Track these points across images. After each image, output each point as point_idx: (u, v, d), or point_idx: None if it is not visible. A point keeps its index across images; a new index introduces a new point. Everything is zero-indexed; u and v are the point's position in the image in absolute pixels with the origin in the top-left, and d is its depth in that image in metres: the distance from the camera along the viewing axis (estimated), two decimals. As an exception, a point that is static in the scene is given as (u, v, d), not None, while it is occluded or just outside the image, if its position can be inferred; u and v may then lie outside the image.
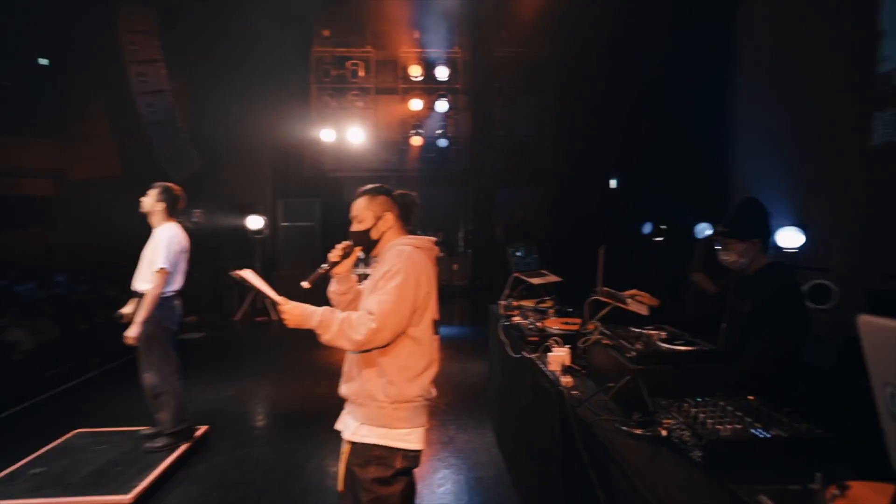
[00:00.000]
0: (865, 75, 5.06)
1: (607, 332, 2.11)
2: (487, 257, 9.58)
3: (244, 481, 3.27)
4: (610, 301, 2.32)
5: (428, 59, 10.21)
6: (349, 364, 1.85)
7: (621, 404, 1.79)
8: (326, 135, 9.79)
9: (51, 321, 5.55)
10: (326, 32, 10.19)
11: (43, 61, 7.82)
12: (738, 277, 2.25)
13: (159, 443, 3.36)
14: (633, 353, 1.78)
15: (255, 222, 8.36)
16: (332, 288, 2.01)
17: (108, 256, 6.41)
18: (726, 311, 2.26)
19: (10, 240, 7.32)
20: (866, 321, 0.67)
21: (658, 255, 7.40)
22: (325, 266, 1.89)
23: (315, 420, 4.16)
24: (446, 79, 10.07)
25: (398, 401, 1.74)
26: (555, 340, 2.53)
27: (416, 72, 10.14)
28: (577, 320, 2.87)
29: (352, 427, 1.80)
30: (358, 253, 1.95)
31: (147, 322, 3.19)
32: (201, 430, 3.72)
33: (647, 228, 8.09)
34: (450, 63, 10.14)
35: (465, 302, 9.62)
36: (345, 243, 1.93)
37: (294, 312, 1.70)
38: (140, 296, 3.28)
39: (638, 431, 1.59)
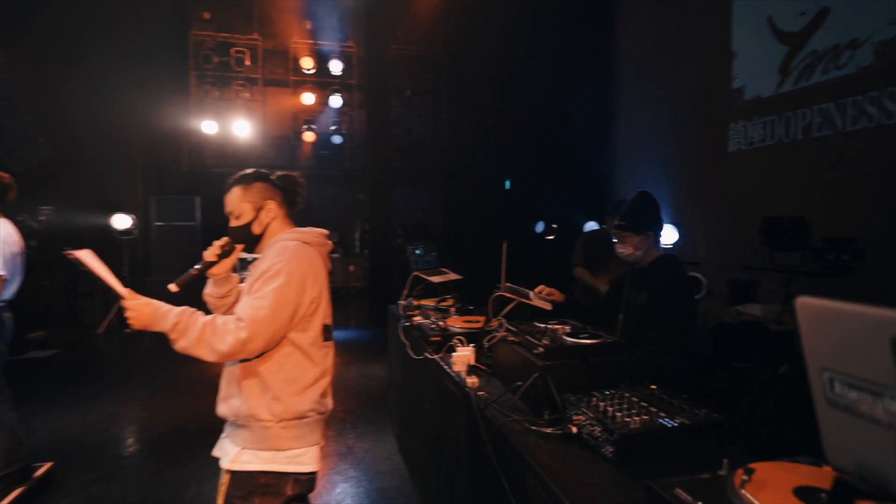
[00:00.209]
0: (722, 90, 5.67)
1: (512, 328, 2.06)
2: (385, 258, 9.39)
3: (102, 523, 2.79)
4: (514, 297, 2.27)
5: (321, 51, 9.78)
6: (228, 379, 1.59)
7: (530, 403, 1.73)
8: (208, 127, 8.96)
9: None
10: (207, 15, 9.34)
11: None
12: (632, 270, 2.33)
13: (-15, 490, 2.75)
14: (541, 350, 1.74)
15: (122, 221, 7.40)
16: (209, 290, 1.73)
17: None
18: (622, 302, 2.32)
19: None
20: (804, 303, 0.62)
21: (550, 253, 7.74)
22: (197, 266, 1.62)
23: (195, 441, 3.70)
24: (340, 73, 9.72)
25: (286, 418, 1.52)
26: (458, 340, 2.44)
27: (308, 64, 9.66)
28: (480, 318, 2.82)
29: (231, 453, 1.54)
30: (240, 251, 1.71)
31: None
32: (44, 467, 3.11)
33: (539, 227, 8.42)
34: (344, 57, 9.80)
35: (362, 304, 9.35)
36: (223, 240, 1.67)
37: (142, 310, 1.41)
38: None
39: (548, 430, 1.53)
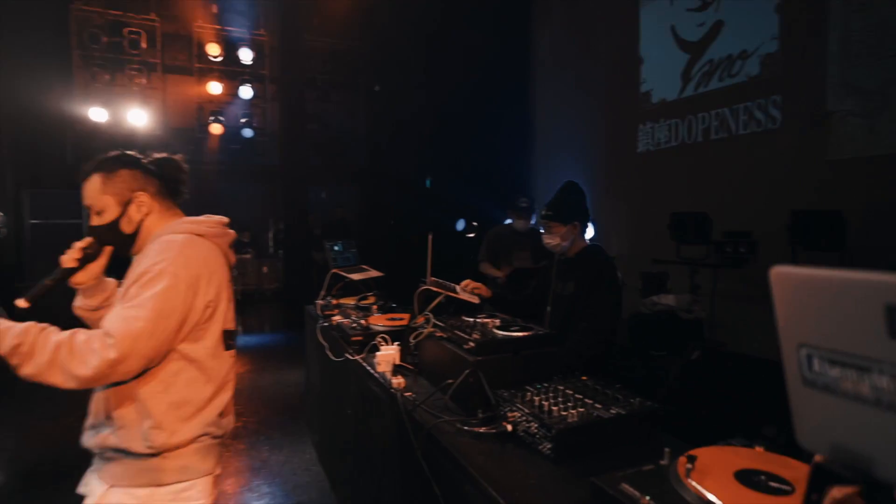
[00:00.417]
0: (632, 94, 5.96)
1: (440, 323, 1.95)
2: (302, 258, 8.95)
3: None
4: (440, 290, 2.17)
5: (229, 38, 9.12)
6: (97, 403, 1.30)
7: (461, 402, 1.62)
8: (97, 114, 8.04)
9: None
10: (94, -11, 8.38)
11: None
12: (558, 260, 2.31)
13: None
14: (472, 344, 1.64)
15: (-16, 219, 6.40)
16: (78, 303, 1.44)
17: None
18: (549, 294, 2.29)
19: None
20: (779, 273, 0.56)
21: (472, 251, 7.76)
22: (52, 278, 1.30)
23: (71, 473, 3.22)
24: (251, 63, 9.13)
25: (168, 448, 1.26)
26: (382, 338, 2.29)
27: (214, 51, 8.96)
28: (404, 315, 2.69)
29: (97, 492, 1.27)
30: (109, 254, 1.40)
31: None
32: None
33: (460, 225, 8.43)
34: (254, 46, 9.21)
35: (277, 306, 8.85)
36: (85, 241, 1.36)
37: None
38: None
39: (482, 430, 1.43)
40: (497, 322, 1.90)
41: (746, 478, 1.01)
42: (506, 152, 7.55)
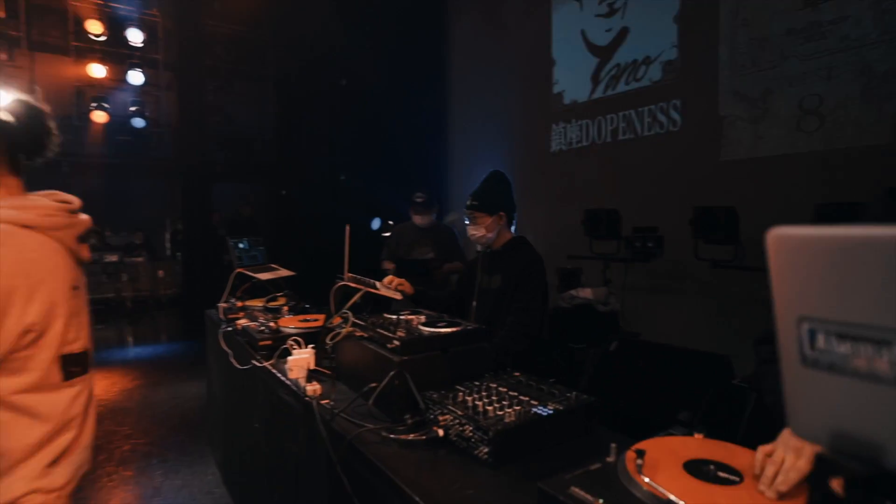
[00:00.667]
0: (545, 94, 6.10)
1: (360, 322, 1.77)
2: (203, 260, 8.25)
3: None
4: (360, 286, 1.99)
5: (114, 16, 8.19)
6: None
7: (387, 407, 1.46)
8: (-57, 94, 6.85)
9: None
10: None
11: None
12: (484, 253, 2.22)
13: None
14: (397, 343, 1.49)
15: None
16: None
17: None
18: (475, 288, 2.19)
19: None
20: (778, 235, 0.47)
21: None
22: None
23: None
24: (141, 45, 8.26)
25: None
26: (294, 341, 2.07)
27: (96, 29, 8.00)
28: (319, 316, 2.47)
29: None
30: None
31: None
32: None
33: (376, 224, 8.21)
34: (145, 27, 8.36)
35: (174, 314, 8.08)
36: None
37: None
38: None
39: (411, 437, 1.29)
40: (422, 318, 1.76)
41: (696, 468, 0.96)
42: (422, 148, 7.45)
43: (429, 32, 7.62)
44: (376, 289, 2.01)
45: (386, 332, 1.58)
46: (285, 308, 2.81)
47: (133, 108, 8.39)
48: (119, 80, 8.20)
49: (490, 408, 1.27)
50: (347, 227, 2.05)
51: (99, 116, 8.07)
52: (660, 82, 4.94)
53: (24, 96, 1.11)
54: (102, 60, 8.08)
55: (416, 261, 3.71)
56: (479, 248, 2.21)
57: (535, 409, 1.26)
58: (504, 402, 1.30)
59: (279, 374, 1.90)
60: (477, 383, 1.46)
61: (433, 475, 1.14)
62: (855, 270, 0.43)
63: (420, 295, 2.18)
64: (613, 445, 1.02)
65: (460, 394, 1.37)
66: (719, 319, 4.09)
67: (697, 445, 1.07)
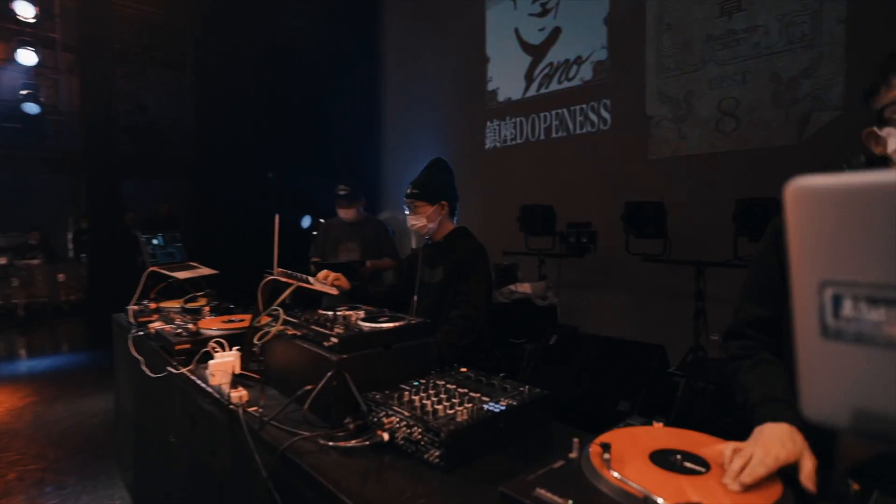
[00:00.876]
0: (479, 91, 6.10)
1: (293, 320, 1.61)
2: (112, 262, 7.53)
3: None
4: (291, 281, 1.82)
5: (-1, -13, 7.29)
6: None
7: (324, 412, 1.32)
8: None
9: None
10: None
11: None
12: (425, 245, 2.11)
13: None
14: (335, 340, 1.35)
15: None
16: None
17: None
18: (416, 282, 2.08)
19: None
20: (799, 187, 0.41)
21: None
22: None
23: None
24: (33, 21, 7.39)
25: None
26: (216, 344, 1.86)
27: (-24, 1, 7.07)
28: (245, 316, 2.26)
29: None
30: None
31: None
32: None
33: (306, 222, 7.89)
34: (39, 2, 7.50)
35: (78, 321, 7.32)
36: None
37: None
38: None
39: (353, 443, 1.16)
40: (361, 314, 1.63)
41: (662, 459, 0.91)
42: (354, 145, 7.24)
43: (362, 22, 7.41)
44: (310, 284, 1.85)
45: (322, 330, 1.44)
46: (206, 309, 2.56)
47: (24, 92, 7.50)
48: (6, 59, 7.31)
49: (440, 407, 1.16)
50: (277, 218, 1.87)
51: (-17, 100, 7.15)
52: (591, 82, 5.07)
53: None
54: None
55: (336, 264, 3.48)
56: (415, 240, 2.11)
57: (487, 406, 1.17)
58: (454, 401, 1.20)
59: (199, 381, 1.69)
60: (423, 381, 1.35)
61: (379, 485, 1.02)
62: (893, 223, 0.37)
63: (357, 291, 2.04)
64: (576, 441, 0.95)
65: (406, 393, 1.26)
66: (651, 311, 4.24)
67: (658, 434, 1.02)
